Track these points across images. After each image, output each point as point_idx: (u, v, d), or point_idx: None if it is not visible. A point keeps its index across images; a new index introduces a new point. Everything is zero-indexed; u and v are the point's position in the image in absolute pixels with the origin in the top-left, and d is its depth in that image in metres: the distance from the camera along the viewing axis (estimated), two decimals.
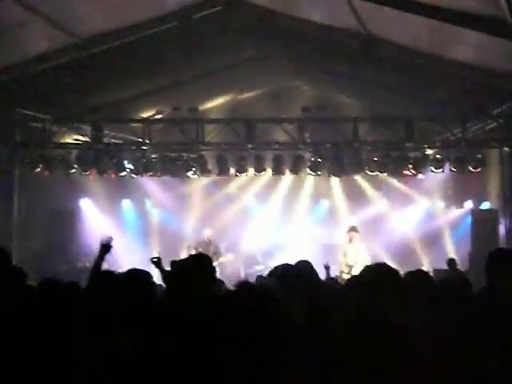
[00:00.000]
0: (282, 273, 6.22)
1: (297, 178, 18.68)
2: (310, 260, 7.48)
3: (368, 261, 15.22)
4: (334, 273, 7.53)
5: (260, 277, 7.86)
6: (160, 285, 7.38)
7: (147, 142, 17.32)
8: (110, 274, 6.00)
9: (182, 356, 3.23)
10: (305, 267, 6.45)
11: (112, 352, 3.98)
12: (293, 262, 7.40)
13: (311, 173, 17.35)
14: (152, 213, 21.59)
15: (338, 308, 3.56)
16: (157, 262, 7.89)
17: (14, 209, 17.14)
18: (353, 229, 16.39)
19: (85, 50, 14.89)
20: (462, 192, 19.83)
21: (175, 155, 17.50)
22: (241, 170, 17.50)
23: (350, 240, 16.05)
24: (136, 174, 17.80)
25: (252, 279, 8.48)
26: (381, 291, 3.86)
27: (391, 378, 3.01)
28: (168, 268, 7.41)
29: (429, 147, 17.12)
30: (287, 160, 17.32)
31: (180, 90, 18.12)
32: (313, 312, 3.83)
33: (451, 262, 15.56)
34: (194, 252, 16.36)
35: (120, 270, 6.85)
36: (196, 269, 5.46)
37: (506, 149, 16.86)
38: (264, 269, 16.70)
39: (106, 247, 7.06)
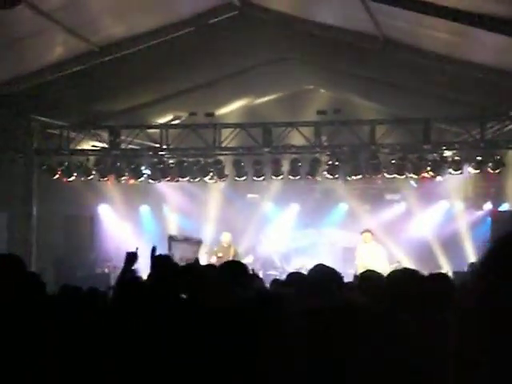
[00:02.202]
0: (296, 281, 6.24)
1: (314, 181, 18.60)
2: (328, 264, 7.45)
3: (385, 264, 15.21)
4: (350, 277, 7.54)
5: (275, 281, 7.84)
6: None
7: (164, 147, 17.37)
8: (137, 282, 5.91)
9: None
10: (321, 274, 6.41)
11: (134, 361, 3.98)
12: (311, 265, 7.38)
13: (328, 176, 17.31)
14: (170, 218, 21.62)
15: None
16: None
17: (32, 216, 17.22)
18: (366, 231, 16.39)
19: (101, 57, 14.95)
20: (480, 194, 19.73)
21: (192, 160, 17.52)
22: (258, 173, 17.50)
23: (364, 242, 16.05)
24: (153, 180, 17.86)
25: (268, 283, 8.47)
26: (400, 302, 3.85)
27: None
28: None
29: (447, 149, 17.04)
30: (304, 163, 17.29)
31: (196, 95, 18.14)
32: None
33: (473, 265, 15.46)
34: (214, 257, 16.36)
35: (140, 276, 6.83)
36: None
37: None
38: (282, 272, 16.66)
39: (131, 257, 7.00)
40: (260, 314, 3.05)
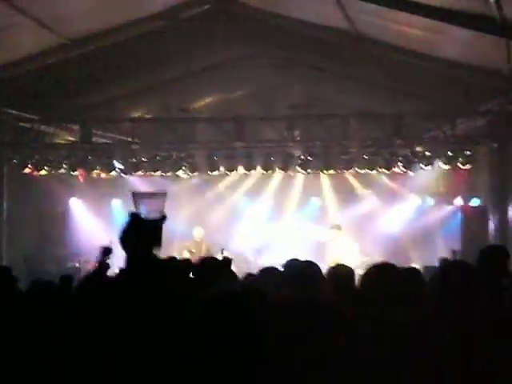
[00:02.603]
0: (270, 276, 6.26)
1: (287, 175, 18.65)
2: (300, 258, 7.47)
3: (356, 258, 15.35)
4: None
5: (249, 275, 7.82)
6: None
7: (136, 141, 17.30)
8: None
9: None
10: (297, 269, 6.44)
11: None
12: (283, 260, 7.39)
13: (301, 170, 17.36)
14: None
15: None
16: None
17: (2, 210, 17.09)
18: (335, 226, 16.60)
19: (73, 51, 14.86)
20: (451, 189, 19.85)
21: (165, 154, 17.47)
22: (230, 168, 17.51)
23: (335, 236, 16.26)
24: (125, 174, 17.78)
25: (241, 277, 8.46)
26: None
27: None
28: None
29: (418, 144, 17.16)
30: (277, 158, 17.33)
31: (169, 89, 18.09)
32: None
33: (443, 261, 15.56)
34: (186, 252, 16.32)
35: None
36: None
37: (494, 145, 16.92)
38: (254, 267, 16.66)
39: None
40: (246, 306, 3.06)
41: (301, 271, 6.11)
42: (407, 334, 3.63)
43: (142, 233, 3.98)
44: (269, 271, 7.00)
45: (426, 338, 3.63)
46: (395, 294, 3.94)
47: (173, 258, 6.94)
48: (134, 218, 4.06)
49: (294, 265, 6.41)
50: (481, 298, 4.11)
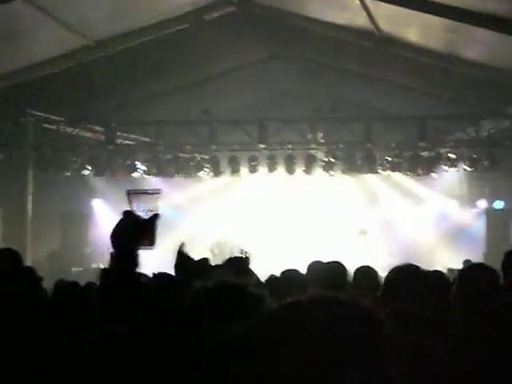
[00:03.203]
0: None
1: (310, 177, 18.60)
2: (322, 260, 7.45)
3: (380, 260, 15.35)
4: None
5: (272, 276, 7.80)
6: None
7: (160, 143, 17.36)
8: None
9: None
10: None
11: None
12: (306, 262, 7.36)
13: (324, 173, 17.33)
14: (165, 213, 21.52)
15: None
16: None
17: (27, 210, 17.21)
18: (361, 231, 16.61)
19: (97, 52, 14.94)
20: (475, 191, 19.74)
21: (188, 156, 17.53)
22: (253, 170, 17.51)
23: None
24: (149, 175, 17.85)
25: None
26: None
27: None
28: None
29: (442, 146, 17.08)
30: (300, 160, 17.31)
31: (192, 91, 18.12)
32: None
33: (467, 263, 15.47)
34: (209, 253, 16.36)
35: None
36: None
37: None
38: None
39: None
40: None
41: (326, 271, 6.11)
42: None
43: (131, 231, 3.92)
44: (291, 273, 6.98)
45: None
46: (419, 294, 3.92)
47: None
48: (127, 216, 4.01)
49: (319, 265, 6.40)
50: (503, 299, 4.09)
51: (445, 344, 3.34)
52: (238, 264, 6.08)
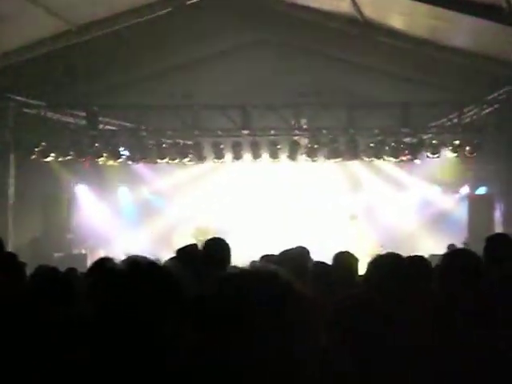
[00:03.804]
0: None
1: (293, 163, 18.59)
2: (306, 246, 7.48)
3: (368, 246, 15.44)
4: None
5: (253, 262, 7.82)
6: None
7: (143, 128, 17.29)
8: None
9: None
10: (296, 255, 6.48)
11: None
12: (288, 247, 7.41)
13: (307, 159, 17.33)
14: (148, 199, 21.53)
15: None
16: None
17: (9, 196, 17.11)
18: (352, 216, 16.65)
19: (79, 37, 14.83)
20: (458, 177, 19.81)
21: (171, 141, 17.46)
22: (237, 156, 17.48)
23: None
24: (132, 161, 17.79)
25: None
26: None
27: None
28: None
29: (425, 132, 17.12)
30: (283, 146, 17.29)
31: (175, 75, 18.04)
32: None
33: (451, 247, 15.53)
34: (193, 239, 16.34)
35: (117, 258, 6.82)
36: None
37: (501, 134, 16.85)
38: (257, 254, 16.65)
39: None
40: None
41: (290, 256, 6.15)
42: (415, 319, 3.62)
43: None
44: (268, 258, 7.05)
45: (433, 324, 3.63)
46: (401, 282, 3.93)
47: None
48: None
49: (287, 251, 6.47)
50: (485, 284, 4.11)
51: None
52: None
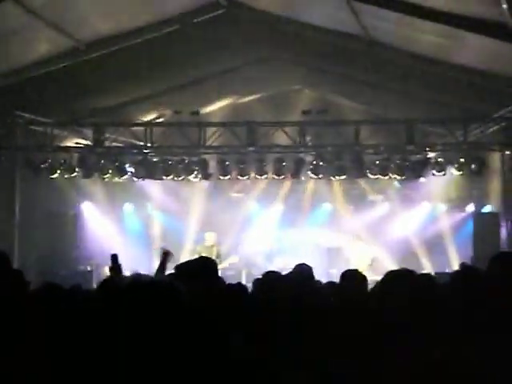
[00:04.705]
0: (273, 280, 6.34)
1: (298, 181, 18.62)
2: (311, 264, 7.50)
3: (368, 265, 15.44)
4: (336, 277, 7.52)
5: (257, 280, 7.83)
6: None
7: (149, 145, 17.34)
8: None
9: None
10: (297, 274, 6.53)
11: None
12: (294, 265, 7.45)
13: (312, 176, 17.34)
14: (154, 216, 21.57)
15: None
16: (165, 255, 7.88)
17: (15, 212, 17.15)
18: (356, 236, 16.72)
19: (86, 54, 14.90)
20: (463, 195, 19.81)
21: (177, 158, 17.50)
22: (242, 173, 17.50)
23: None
24: (137, 178, 17.82)
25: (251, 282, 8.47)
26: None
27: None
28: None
29: (430, 150, 17.12)
30: (288, 163, 17.31)
31: (181, 93, 18.12)
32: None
33: (463, 266, 15.46)
34: (196, 256, 16.32)
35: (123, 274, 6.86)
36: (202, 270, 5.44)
37: (507, 152, 16.86)
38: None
39: (114, 256, 7.19)
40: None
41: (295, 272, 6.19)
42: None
43: None
44: (273, 274, 7.08)
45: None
46: (413, 299, 3.92)
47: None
48: None
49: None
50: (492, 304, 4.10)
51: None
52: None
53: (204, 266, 5.65)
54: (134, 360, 2.98)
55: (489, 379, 3.50)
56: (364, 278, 6.67)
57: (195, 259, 6.55)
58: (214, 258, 15.99)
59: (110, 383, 3.15)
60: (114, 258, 7.45)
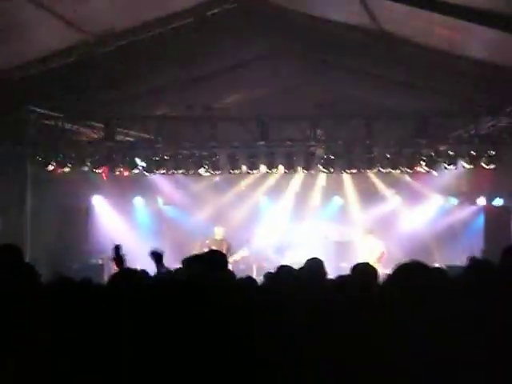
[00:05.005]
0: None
1: (309, 174, 18.62)
2: (321, 258, 7.50)
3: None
4: (346, 271, 7.51)
5: (269, 273, 7.86)
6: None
7: (159, 139, 17.35)
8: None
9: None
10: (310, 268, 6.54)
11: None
12: (304, 259, 7.45)
13: (323, 170, 17.33)
14: (164, 210, 21.60)
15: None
16: (159, 256, 7.87)
17: (26, 206, 17.20)
18: (367, 231, 16.71)
19: (97, 48, 14.90)
20: (474, 189, 19.76)
21: (187, 153, 17.51)
22: (253, 167, 17.50)
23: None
24: (148, 172, 17.84)
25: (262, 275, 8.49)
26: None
27: None
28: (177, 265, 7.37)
29: (442, 144, 17.07)
30: (299, 157, 17.30)
31: (193, 87, 18.11)
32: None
33: (472, 259, 15.41)
34: (206, 250, 16.34)
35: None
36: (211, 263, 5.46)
37: None
38: (276, 266, 16.64)
39: (116, 247, 7.24)
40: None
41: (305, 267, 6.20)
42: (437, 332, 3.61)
43: None
44: (285, 270, 7.08)
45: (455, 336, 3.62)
46: (424, 292, 3.90)
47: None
48: None
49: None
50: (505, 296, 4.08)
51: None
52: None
53: (214, 260, 5.68)
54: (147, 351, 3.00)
55: (503, 374, 3.49)
56: (374, 270, 6.67)
57: (206, 252, 6.59)
58: (224, 251, 16.12)
59: (119, 374, 3.16)
60: (117, 248, 7.53)
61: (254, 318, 3.33)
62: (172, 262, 8.05)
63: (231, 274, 6.31)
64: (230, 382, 3.12)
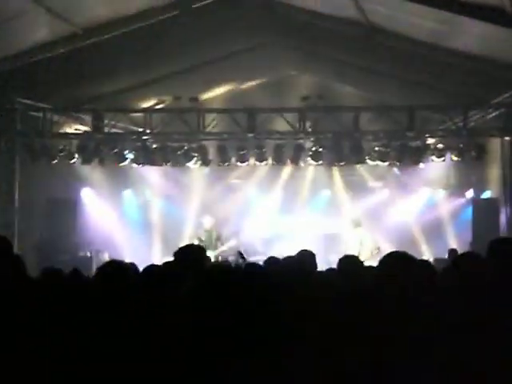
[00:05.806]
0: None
1: (298, 167, 18.64)
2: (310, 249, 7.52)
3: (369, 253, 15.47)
4: (334, 264, 7.53)
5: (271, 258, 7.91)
6: None
7: (148, 131, 17.32)
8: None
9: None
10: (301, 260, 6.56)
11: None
12: (293, 251, 7.46)
13: (312, 162, 17.35)
14: (153, 202, 21.55)
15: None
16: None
17: (15, 199, 17.14)
18: (355, 222, 16.70)
19: (85, 40, 14.86)
20: (463, 181, 19.81)
21: (176, 145, 17.49)
22: (242, 159, 17.51)
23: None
24: (137, 164, 17.83)
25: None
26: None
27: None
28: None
29: (430, 136, 17.12)
30: (288, 149, 17.32)
31: (180, 79, 18.08)
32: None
33: (452, 252, 15.48)
34: (196, 241, 16.35)
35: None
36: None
37: (506, 138, 16.84)
38: (264, 258, 16.64)
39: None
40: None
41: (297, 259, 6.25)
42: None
43: None
44: (273, 260, 7.11)
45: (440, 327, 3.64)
46: (411, 284, 3.92)
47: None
48: None
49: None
50: (491, 288, 4.11)
51: None
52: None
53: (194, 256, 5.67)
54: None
55: (493, 364, 3.51)
56: (361, 262, 6.70)
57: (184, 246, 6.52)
58: (214, 241, 16.19)
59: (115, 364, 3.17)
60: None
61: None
62: (161, 254, 8.07)
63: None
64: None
